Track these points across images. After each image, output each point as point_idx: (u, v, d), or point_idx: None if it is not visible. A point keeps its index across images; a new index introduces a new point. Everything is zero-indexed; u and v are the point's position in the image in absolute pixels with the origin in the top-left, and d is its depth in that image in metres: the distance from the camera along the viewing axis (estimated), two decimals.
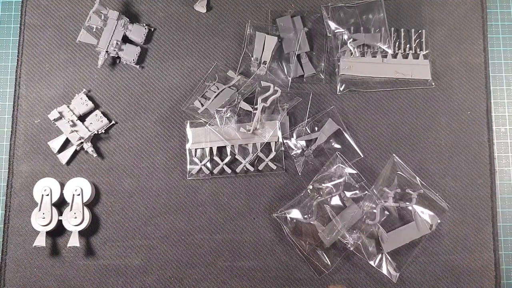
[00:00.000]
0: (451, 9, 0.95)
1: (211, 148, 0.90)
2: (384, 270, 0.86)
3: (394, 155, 0.89)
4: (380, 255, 0.86)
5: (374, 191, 0.87)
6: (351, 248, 0.85)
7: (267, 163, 0.89)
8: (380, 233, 0.86)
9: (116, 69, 0.94)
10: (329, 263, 0.87)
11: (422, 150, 0.91)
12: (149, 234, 0.89)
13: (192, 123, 0.91)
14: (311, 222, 0.86)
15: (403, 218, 0.89)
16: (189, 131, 0.90)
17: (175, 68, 0.94)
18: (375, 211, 0.86)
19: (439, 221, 0.87)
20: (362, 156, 0.90)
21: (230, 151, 0.90)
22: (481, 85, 0.93)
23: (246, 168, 0.90)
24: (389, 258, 0.86)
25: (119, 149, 0.92)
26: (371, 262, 0.86)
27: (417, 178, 0.88)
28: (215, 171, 0.90)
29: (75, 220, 0.86)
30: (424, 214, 0.87)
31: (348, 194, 0.87)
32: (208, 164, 0.90)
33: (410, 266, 0.88)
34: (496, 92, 0.94)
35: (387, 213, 0.88)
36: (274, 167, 0.89)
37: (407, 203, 0.87)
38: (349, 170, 0.88)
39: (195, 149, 0.90)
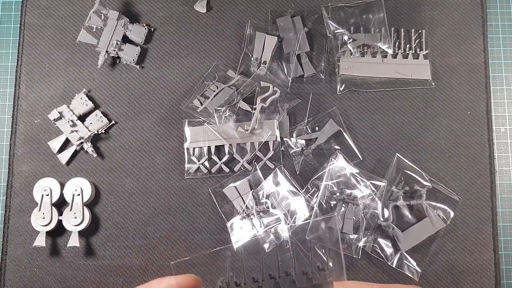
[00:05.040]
0: (451, 9, 0.95)
1: (209, 147, 0.90)
2: (406, 270, 0.86)
3: (398, 154, 0.89)
4: (398, 255, 0.86)
5: (384, 192, 0.87)
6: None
7: (265, 162, 0.89)
8: (395, 233, 0.86)
9: (116, 69, 0.94)
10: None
11: (422, 150, 0.91)
12: (149, 234, 0.89)
13: (190, 122, 0.91)
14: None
15: (416, 216, 0.88)
16: (187, 130, 0.90)
17: (175, 68, 0.94)
18: (376, 211, 0.86)
19: (452, 214, 0.87)
20: (361, 159, 0.90)
21: (228, 150, 0.90)
22: (481, 85, 0.93)
23: (244, 167, 0.90)
24: (408, 257, 0.86)
25: (119, 149, 0.92)
26: (389, 263, 0.86)
27: (423, 173, 0.88)
28: (213, 170, 0.90)
29: (75, 220, 0.86)
30: (437, 208, 0.87)
31: (348, 192, 0.87)
32: (206, 163, 0.90)
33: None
34: (496, 92, 0.94)
35: (399, 212, 0.88)
36: (272, 166, 0.89)
37: (418, 200, 0.87)
38: (350, 169, 0.88)
39: (193, 148, 0.90)
